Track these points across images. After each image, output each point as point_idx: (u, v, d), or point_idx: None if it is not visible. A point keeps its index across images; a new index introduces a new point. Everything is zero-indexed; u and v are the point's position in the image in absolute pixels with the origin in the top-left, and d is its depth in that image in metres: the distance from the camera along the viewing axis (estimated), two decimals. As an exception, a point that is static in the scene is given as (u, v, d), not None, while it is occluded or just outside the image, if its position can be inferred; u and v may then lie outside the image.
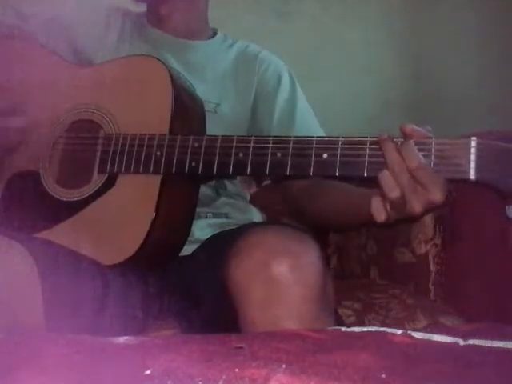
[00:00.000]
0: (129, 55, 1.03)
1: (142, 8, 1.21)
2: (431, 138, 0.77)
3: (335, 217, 1.04)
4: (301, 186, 1.09)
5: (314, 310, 0.76)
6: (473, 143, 0.74)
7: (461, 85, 2.03)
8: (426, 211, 0.79)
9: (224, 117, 1.11)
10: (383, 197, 0.78)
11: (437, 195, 0.76)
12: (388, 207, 0.79)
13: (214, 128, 0.99)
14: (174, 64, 1.10)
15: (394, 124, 0.80)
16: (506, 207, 0.75)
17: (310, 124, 1.15)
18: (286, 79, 1.17)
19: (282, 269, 0.76)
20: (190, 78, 1.02)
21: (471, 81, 2.03)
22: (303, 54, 1.87)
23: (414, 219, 0.87)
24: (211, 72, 1.15)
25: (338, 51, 1.96)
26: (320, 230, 1.53)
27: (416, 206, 0.77)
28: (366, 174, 0.78)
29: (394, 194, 0.76)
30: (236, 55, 1.19)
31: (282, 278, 0.76)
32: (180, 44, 1.16)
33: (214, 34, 1.22)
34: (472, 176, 0.74)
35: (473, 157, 0.74)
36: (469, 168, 0.74)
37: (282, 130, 1.12)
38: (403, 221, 0.83)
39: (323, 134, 1.13)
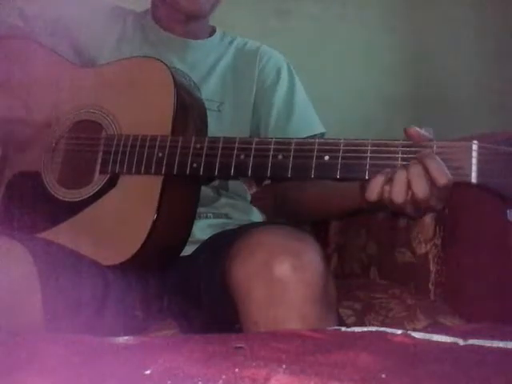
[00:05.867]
0: (131, 56, 1.03)
1: (144, 7, 1.21)
2: (432, 140, 0.77)
3: (315, 208, 1.06)
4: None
5: (316, 309, 0.76)
6: (474, 146, 0.74)
7: (461, 85, 2.03)
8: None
9: (228, 115, 1.11)
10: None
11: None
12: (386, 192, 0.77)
13: (218, 127, 0.99)
14: (176, 63, 1.10)
15: (394, 124, 0.80)
16: (508, 211, 0.74)
17: (308, 115, 1.15)
18: (284, 72, 1.18)
19: (283, 268, 0.76)
20: (192, 77, 1.02)
21: (471, 81, 2.02)
22: (303, 54, 1.86)
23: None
24: (213, 70, 1.15)
25: (337, 51, 1.96)
26: (318, 229, 1.54)
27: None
28: (367, 177, 0.78)
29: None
30: (236, 51, 1.19)
31: (284, 277, 0.76)
32: (181, 43, 1.16)
33: (213, 31, 1.22)
34: (474, 179, 0.73)
35: (474, 160, 0.73)
36: (470, 171, 0.73)
37: (280, 122, 1.12)
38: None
39: (322, 127, 1.15)
